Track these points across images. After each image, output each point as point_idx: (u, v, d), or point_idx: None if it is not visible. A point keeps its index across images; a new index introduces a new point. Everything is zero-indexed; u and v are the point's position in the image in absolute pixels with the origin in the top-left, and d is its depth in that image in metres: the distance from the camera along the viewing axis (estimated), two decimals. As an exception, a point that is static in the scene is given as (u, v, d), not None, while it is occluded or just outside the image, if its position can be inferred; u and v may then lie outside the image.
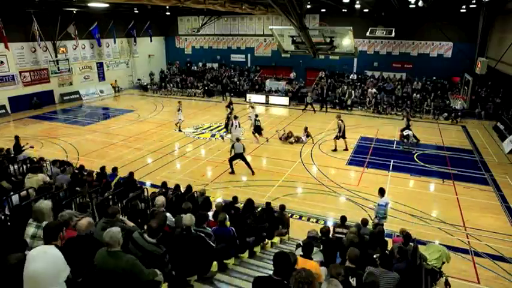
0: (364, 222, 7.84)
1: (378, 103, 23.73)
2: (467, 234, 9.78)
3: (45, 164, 10.87)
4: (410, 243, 6.71)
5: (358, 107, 24.35)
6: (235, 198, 8.91)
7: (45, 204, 4.67)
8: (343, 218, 8.09)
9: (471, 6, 20.88)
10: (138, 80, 32.53)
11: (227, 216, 6.69)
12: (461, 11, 22.34)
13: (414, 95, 23.97)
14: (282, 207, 8.87)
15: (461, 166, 14.51)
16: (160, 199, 6.52)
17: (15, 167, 10.36)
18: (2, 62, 22.41)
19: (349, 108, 24.34)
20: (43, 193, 6.88)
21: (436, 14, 22.37)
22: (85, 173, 9.86)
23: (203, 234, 5.34)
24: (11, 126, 20.75)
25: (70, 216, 5.06)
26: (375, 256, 5.75)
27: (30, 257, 3.37)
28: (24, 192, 7.10)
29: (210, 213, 7.13)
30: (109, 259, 3.70)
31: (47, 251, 3.40)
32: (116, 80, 30.50)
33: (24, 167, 10.50)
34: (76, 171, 10.23)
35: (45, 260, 3.30)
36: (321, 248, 5.97)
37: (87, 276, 3.73)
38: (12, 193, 7.01)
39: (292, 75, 29.38)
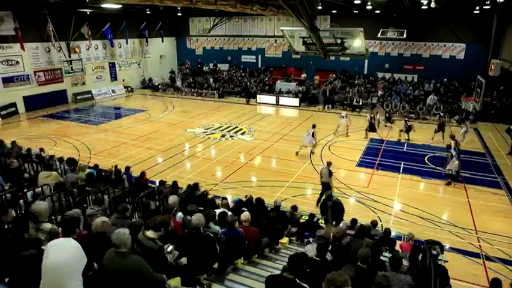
0: (374, 223, 7.83)
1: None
2: (478, 238, 9.68)
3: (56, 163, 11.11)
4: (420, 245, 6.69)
5: (367, 107, 24.25)
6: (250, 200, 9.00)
7: (44, 205, 4.73)
8: (354, 221, 8.07)
9: (485, 7, 20.61)
10: (149, 80, 32.84)
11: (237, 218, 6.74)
12: (475, 12, 22.05)
13: (431, 97, 23.70)
14: (294, 207, 8.92)
15: (473, 169, 14.34)
16: (173, 198, 6.61)
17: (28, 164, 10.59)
18: (17, 62, 22.89)
19: (358, 109, 24.27)
20: (58, 190, 7.04)
21: (449, 15, 22.15)
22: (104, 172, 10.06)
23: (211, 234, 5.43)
24: (25, 125, 21.16)
25: (77, 216, 5.12)
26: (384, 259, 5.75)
27: (49, 248, 3.42)
28: (38, 189, 7.28)
29: (217, 211, 7.12)
30: (116, 259, 3.72)
31: (67, 243, 3.45)
32: (123, 80, 30.76)
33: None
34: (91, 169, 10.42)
35: (66, 251, 3.35)
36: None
37: (96, 274, 3.79)
38: (26, 190, 7.19)
39: (303, 76, 29.36)
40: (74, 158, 11.67)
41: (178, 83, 30.48)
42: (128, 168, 11.09)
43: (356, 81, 27.31)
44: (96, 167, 11.10)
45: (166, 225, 4.80)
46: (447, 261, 6.88)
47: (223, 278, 5.62)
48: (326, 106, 25.19)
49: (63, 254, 3.31)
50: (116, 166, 10.95)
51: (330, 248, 5.95)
